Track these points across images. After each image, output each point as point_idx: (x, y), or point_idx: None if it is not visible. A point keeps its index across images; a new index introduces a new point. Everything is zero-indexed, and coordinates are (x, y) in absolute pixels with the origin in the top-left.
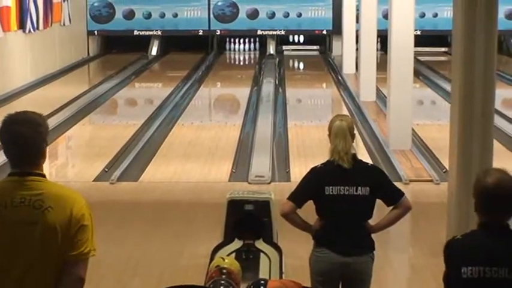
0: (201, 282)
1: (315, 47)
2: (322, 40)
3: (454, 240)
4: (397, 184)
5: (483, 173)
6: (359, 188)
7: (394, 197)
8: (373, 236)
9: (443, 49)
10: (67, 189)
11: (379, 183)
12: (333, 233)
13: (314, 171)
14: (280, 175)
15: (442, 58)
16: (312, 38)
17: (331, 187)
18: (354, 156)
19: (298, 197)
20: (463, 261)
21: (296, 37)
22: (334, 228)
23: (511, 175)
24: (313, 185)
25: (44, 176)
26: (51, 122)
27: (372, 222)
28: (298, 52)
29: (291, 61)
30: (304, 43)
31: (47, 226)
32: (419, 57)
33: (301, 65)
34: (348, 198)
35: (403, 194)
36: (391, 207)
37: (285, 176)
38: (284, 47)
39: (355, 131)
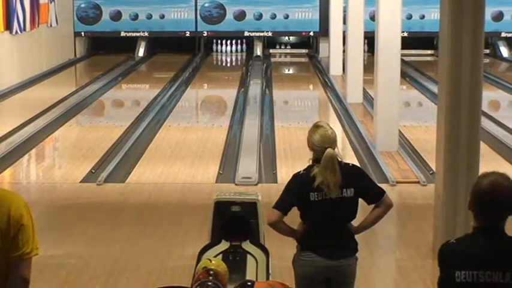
0: (188, 283)
1: (303, 51)
2: (310, 43)
3: (447, 244)
4: (384, 186)
5: (482, 175)
6: (344, 190)
7: (376, 195)
8: (359, 238)
9: (429, 51)
10: (4, 191)
11: (362, 183)
12: (317, 236)
13: (297, 178)
14: (267, 177)
15: (428, 59)
16: (300, 41)
17: (315, 193)
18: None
19: (283, 205)
20: (456, 265)
21: (283, 47)
22: (319, 232)
23: (510, 178)
24: (297, 192)
25: None
26: (38, 124)
27: (354, 222)
28: (285, 57)
29: (278, 63)
30: (292, 47)
31: None
32: (405, 58)
33: (288, 67)
34: (333, 202)
35: (384, 192)
36: (371, 206)
37: (272, 178)
38: (271, 51)
39: (344, 133)
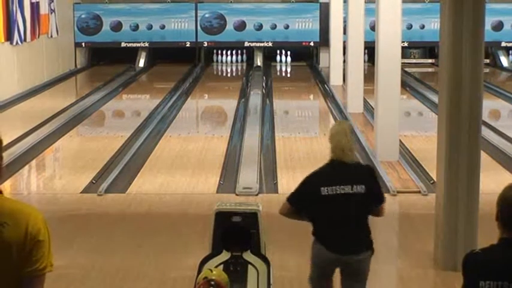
0: None
1: (302, 64)
2: (309, 55)
3: (472, 253)
4: (385, 195)
5: (509, 186)
6: (354, 186)
7: (376, 200)
8: None
9: (430, 60)
10: (23, 204)
11: (372, 183)
12: (328, 231)
13: (311, 174)
14: (268, 187)
15: (429, 69)
16: (299, 53)
17: (326, 188)
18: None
19: (294, 198)
20: (480, 275)
21: (284, 57)
22: (329, 227)
23: None
24: (308, 187)
25: (0, 192)
26: (39, 134)
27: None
28: (286, 67)
29: (278, 73)
30: (292, 60)
31: (2, 242)
32: (405, 69)
33: (289, 77)
34: (344, 198)
35: (384, 200)
36: None
37: (273, 188)
38: (272, 64)
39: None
